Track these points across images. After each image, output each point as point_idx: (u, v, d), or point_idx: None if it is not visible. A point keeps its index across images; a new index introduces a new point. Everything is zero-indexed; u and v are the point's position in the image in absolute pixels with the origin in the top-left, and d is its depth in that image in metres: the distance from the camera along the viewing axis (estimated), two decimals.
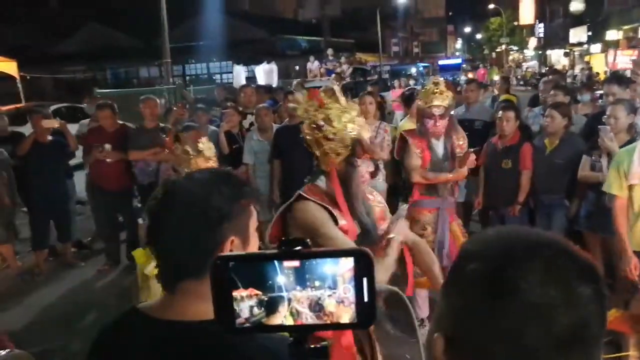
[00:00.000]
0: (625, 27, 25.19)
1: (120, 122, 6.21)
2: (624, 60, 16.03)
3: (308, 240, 0.81)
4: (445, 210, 4.20)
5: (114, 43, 31.33)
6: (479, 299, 0.74)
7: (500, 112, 5.28)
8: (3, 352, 1.76)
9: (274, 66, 12.07)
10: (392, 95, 13.36)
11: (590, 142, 4.52)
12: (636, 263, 3.55)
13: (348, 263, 0.78)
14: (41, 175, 6.05)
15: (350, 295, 0.78)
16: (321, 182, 2.26)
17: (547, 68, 31.39)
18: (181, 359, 1.14)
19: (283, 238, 0.83)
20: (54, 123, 6.11)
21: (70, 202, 6.59)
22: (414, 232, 4.04)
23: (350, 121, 2.20)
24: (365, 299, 0.78)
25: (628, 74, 7.96)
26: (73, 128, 7.14)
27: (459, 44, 66.73)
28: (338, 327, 0.79)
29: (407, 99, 6.26)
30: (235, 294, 0.78)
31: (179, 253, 1.17)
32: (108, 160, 5.87)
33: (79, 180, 7.28)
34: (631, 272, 3.54)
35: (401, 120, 7.33)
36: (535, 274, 0.73)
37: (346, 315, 0.79)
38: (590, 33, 32.22)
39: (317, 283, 0.78)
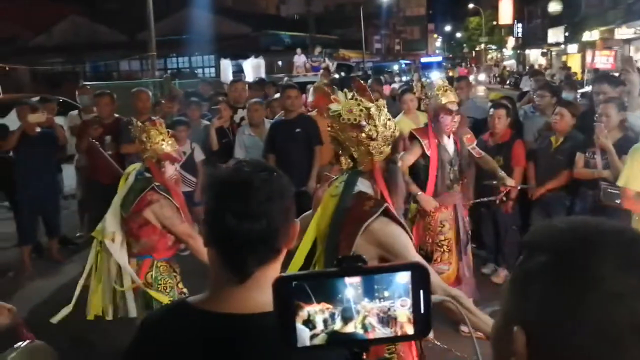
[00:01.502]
0: (602, 28, 25.62)
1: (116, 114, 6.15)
2: (602, 60, 16.25)
3: (365, 256, 0.84)
4: (461, 206, 4.26)
5: (95, 36, 30.89)
6: (556, 290, 0.73)
7: (492, 109, 5.36)
8: (23, 344, 1.74)
9: (261, 61, 12.00)
10: None
11: (584, 139, 4.62)
12: None
13: (406, 276, 0.81)
14: (30, 168, 5.90)
15: (409, 307, 0.81)
16: (366, 187, 2.16)
17: (528, 67, 31.79)
18: (247, 353, 1.13)
19: (340, 256, 0.85)
20: (41, 117, 5.89)
21: (59, 196, 6.48)
22: (431, 230, 4.12)
23: (388, 118, 2.17)
24: (422, 311, 0.82)
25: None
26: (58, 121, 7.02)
27: (439, 42, 67.15)
28: (400, 339, 0.82)
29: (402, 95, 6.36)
30: (309, 308, 0.81)
31: (255, 243, 1.16)
32: (109, 152, 5.79)
33: (66, 174, 7.19)
34: None
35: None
36: (614, 262, 0.72)
37: (408, 326, 0.82)
38: (567, 34, 32.70)
39: (386, 294, 0.81)
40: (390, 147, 2.19)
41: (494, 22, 49.06)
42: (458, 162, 4.23)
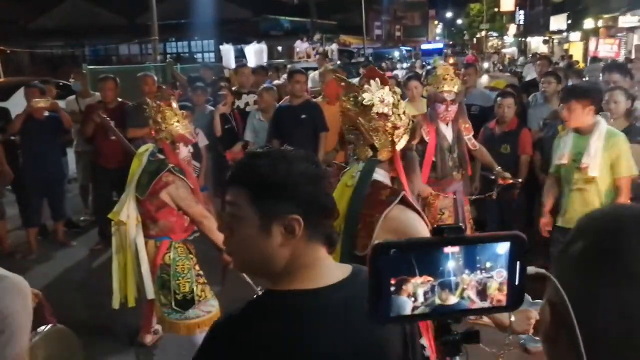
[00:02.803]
0: (605, 16, 25.47)
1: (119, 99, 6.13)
2: (605, 48, 16.16)
3: (461, 224, 0.83)
4: (461, 193, 4.25)
5: (95, 19, 30.61)
6: (589, 273, 0.74)
7: (500, 98, 5.34)
8: (46, 327, 1.74)
9: (263, 46, 11.90)
10: None
11: None
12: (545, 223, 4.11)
13: (504, 246, 0.81)
14: (37, 152, 5.92)
15: (504, 278, 0.81)
16: (381, 176, 2.13)
17: (531, 55, 31.62)
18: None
19: (436, 225, 0.85)
20: (45, 102, 5.89)
21: (64, 180, 6.49)
22: (428, 217, 4.10)
23: (404, 106, 2.16)
24: (516, 282, 0.81)
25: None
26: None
27: (439, 28, 66.77)
28: (494, 310, 0.82)
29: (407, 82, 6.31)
30: (413, 280, 0.81)
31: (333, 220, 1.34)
32: (112, 137, 5.76)
33: (70, 158, 7.16)
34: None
35: None
36: None
37: (501, 297, 0.82)
38: (570, 21, 32.51)
39: (488, 264, 0.81)
40: (409, 135, 2.18)
41: (495, 9, 48.74)
42: (457, 150, 4.26)
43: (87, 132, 6.06)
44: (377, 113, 2.09)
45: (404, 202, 2.06)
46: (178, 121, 3.52)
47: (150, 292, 3.53)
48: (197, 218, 3.45)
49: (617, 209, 0.82)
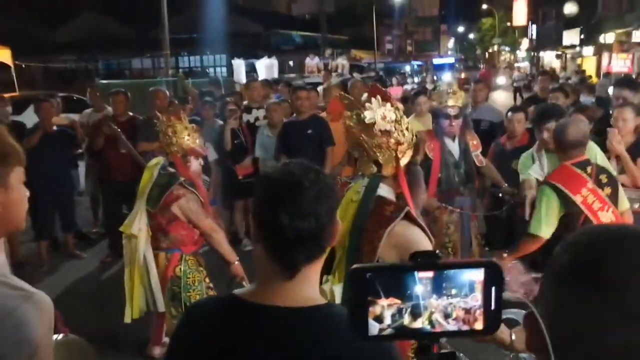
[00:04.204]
0: (618, 31, 25.38)
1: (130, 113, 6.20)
2: (618, 63, 16.11)
3: (438, 252, 0.85)
4: (468, 209, 4.24)
5: (107, 33, 31.03)
6: (569, 285, 0.77)
7: (510, 113, 5.33)
8: (59, 337, 1.74)
9: (274, 61, 12.01)
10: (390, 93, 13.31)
11: (599, 144, 4.57)
12: None
13: (480, 273, 0.83)
14: (48, 164, 5.97)
15: (479, 303, 0.83)
16: (385, 192, 2.15)
17: (541, 70, 31.58)
18: (307, 345, 1.19)
19: (413, 252, 0.86)
20: (64, 120, 6.06)
21: (74, 192, 6.56)
22: (435, 232, 4.10)
23: (407, 121, 2.17)
24: (492, 307, 0.84)
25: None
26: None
27: (451, 43, 66.91)
28: (468, 334, 0.85)
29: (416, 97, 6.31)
30: (379, 302, 0.83)
31: (305, 240, 1.22)
32: (122, 150, 5.82)
33: (80, 171, 7.25)
34: None
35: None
36: (624, 258, 0.74)
37: (476, 322, 0.85)
38: (582, 36, 32.42)
39: (453, 291, 0.83)
40: (412, 150, 2.19)
41: (508, 24, 48.79)
42: (464, 165, 4.26)
43: (98, 145, 6.13)
44: (380, 130, 2.09)
45: (408, 217, 2.06)
46: (189, 135, 3.57)
47: (160, 305, 3.55)
48: (207, 231, 3.48)
49: (603, 226, 0.89)
